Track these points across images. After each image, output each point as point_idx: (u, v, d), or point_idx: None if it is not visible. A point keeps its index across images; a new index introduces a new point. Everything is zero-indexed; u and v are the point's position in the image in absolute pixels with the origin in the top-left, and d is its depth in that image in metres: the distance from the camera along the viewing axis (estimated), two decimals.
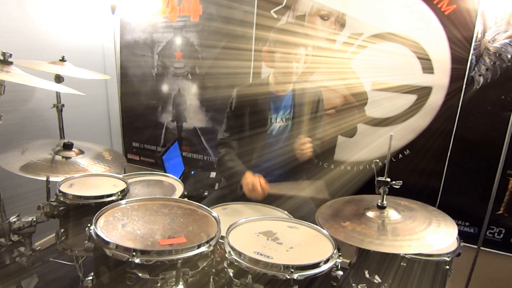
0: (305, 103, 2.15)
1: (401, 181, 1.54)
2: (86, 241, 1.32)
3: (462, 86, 2.19)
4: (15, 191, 2.42)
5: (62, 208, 1.68)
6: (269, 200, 1.97)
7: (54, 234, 1.74)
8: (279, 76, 2.13)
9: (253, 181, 1.95)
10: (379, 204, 1.59)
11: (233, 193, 2.11)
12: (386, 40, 2.31)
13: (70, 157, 2.07)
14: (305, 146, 2.01)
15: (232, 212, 1.88)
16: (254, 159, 2.15)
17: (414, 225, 1.49)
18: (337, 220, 1.58)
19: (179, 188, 2.07)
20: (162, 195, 1.93)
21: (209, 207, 1.57)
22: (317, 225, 1.56)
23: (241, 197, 2.04)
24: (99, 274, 1.32)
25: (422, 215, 1.58)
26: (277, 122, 2.17)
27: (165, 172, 2.45)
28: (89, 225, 1.34)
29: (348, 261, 1.70)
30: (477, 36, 2.10)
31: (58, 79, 2.37)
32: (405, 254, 1.51)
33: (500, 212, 2.23)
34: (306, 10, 2.49)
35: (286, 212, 1.89)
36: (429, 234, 1.44)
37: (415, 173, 2.39)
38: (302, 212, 1.88)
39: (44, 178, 1.83)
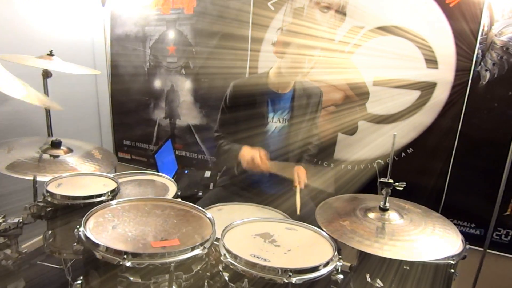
0: (305, 104, 2.11)
1: (405, 183, 1.51)
2: (75, 244, 1.29)
3: (468, 81, 2.17)
4: (0, 191, 2.39)
5: (50, 209, 1.65)
6: (267, 201, 1.94)
7: (41, 236, 1.70)
8: (285, 71, 2.04)
9: (251, 152, 1.93)
10: (381, 206, 1.56)
11: (231, 175, 2.15)
12: (388, 34, 2.29)
13: (58, 156, 2.03)
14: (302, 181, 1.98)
15: (228, 213, 1.85)
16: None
17: (415, 231, 1.46)
18: (336, 217, 1.56)
19: (172, 188, 2.04)
20: (155, 195, 1.91)
21: (203, 208, 1.54)
22: (315, 224, 1.53)
23: (240, 179, 2.10)
24: (89, 278, 1.29)
25: (424, 221, 1.55)
26: (274, 122, 2.12)
27: (157, 171, 2.43)
28: (78, 226, 1.30)
29: (349, 264, 1.67)
30: (483, 30, 2.08)
31: (46, 74, 2.32)
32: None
33: (507, 213, 2.21)
34: (304, 2, 2.46)
35: (284, 213, 1.86)
36: (429, 241, 1.42)
37: (419, 173, 2.36)
38: (301, 213, 1.85)
39: (31, 178, 1.80)
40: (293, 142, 2.11)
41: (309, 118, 2.12)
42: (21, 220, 1.66)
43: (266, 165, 1.92)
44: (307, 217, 1.67)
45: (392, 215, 1.54)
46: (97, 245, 1.19)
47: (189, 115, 3.10)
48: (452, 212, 2.30)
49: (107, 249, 1.18)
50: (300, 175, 2.00)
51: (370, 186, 2.22)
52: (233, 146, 2.07)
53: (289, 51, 1.99)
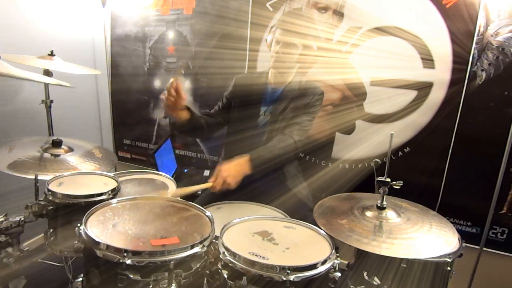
0: (292, 101, 2.10)
1: (402, 182, 1.51)
2: (76, 242, 1.29)
3: (464, 81, 2.17)
4: (2, 190, 2.40)
5: (51, 207, 1.65)
6: (267, 201, 1.94)
7: (42, 234, 1.71)
8: (274, 69, 2.12)
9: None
10: (379, 205, 1.57)
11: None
12: (386, 34, 2.30)
13: (59, 155, 2.04)
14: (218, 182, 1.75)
15: (227, 211, 1.85)
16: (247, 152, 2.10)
17: (412, 229, 1.47)
18: (333, 216, 1.56)
19: (172, 187, 2.04)
20: (154, 194, 1.89)
21: (202, 206, 1.55)
22: (314, 223, 1.54)
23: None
24: (89, 275, 1.29)
25: (421, 219, 1.56)
26: (265, 116, 2.15)
27: (157, 170, 2.42)
28: (78, 225, 1.31)
29: (346, 262, 1.68)
30: (479, 30, 2.08)
31: (47, 74, 2.33)
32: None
33: (503, 211, 2.22)
34: (303, 2, 2.47)
35: (282, 212, 1.86)
36: (426, 239, 1.42)
37: (416, 172, 2.37)
38: (302, 213, 1.84)
39: (33, 177, 1.80)
40: (272, 137, 2.07)
41: (293, 116, 2.08)
42: (22, 219, 1.66)
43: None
44: (308, 217, 1.67)
45: (389, 213, 1.55)
46: (98, 243, 1.20)
47: None
48: (448, 210, 2.30)
49: (108, 247, 1.18)
50: (220, 174, 1.75)
51: (367, 185, 2.22)
52: None
53: (273, 49, 2.05)
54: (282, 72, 2.11)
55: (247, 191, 2.10)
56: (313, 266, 1.25)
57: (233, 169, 1.77)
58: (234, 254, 1.28)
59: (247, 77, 2.31)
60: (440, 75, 2.22)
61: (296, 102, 2.11)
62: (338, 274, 1.32)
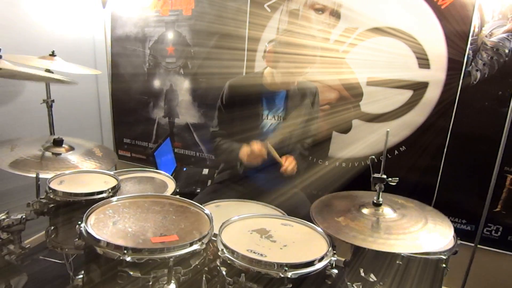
0: (299, 103, 2.13)
1: (397, 178, 1.52)
2: (76, 239, 1.30)
3: (459, 81, 2.18)
4: (4, 188, 2.41)
5: (52, 205, 1.67)
6: (268, 200, 1.95)
7: (43, 232, 1.73)
8: (279, 76, 2.09)
9: (250, 147, 1.97)
10: (375, 201, 1.58)
11: (234, 172, 2.16)
12: (382, 35, 2.30)
13: (60, 154, 2.05)
14: (290, 166, 2.02)
15: (225, 209, 1.86)
16: None
17: (409, 224, 1.48)
18: (330, 214, 1.58)
19: (171, 185, 2.06)
20: (154, 192, 1.92)
21: (201, 204, 1.56)
22: (311, 220, 1.55)
23: (240, 179, 2.14)
24: (90, 272, 1.30)
25: (418, 214, 1.57)
26: (269, 119, 2.15)
27: (156, 168, 2.44)
28: (79, 222, 1.32)
29: (343, 259, 1.69)
30: (474, 31, 2.09)
31: None
32: (400, 253, 1.50)
33: (497, 209, 2.23)
34: (300, 3, 2.48)
35: (280, 209, 1.87)
36: (424, 233, 1.43)
37: (411, 170, 2.38)
38: (299, 212, 1.86)
39: (34, 175, 1.81)
40: (287, 139, 2.12)
41: (303, 116, 2.13)
42: (24, 216, 1.67)
43: (263, 152, 1.96)
44: (304, 216, 1.68)
45: (386, 210, 1.57)
46: (98, 241, 1.21)
47: (187, 114, 3.11)
48: (443, 208, 2.25)
49: (108, 244, 1.20)
50: (288, 160, 2.04)
51: (364, 183, 2.23)
52: (232, 146, 2.10)
53: (280, 64, 2.03)
54: (291, 72, 2.07)
55: (246, 190, 2.13)
56: (310, 263, 1.27)
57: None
58: (232, 252, 1.29)
59: (240, 80, 2.28)
60: (435, 75, 2.22)
61: (301, 102, 2.13)
62: (335, 271, 1.33)
